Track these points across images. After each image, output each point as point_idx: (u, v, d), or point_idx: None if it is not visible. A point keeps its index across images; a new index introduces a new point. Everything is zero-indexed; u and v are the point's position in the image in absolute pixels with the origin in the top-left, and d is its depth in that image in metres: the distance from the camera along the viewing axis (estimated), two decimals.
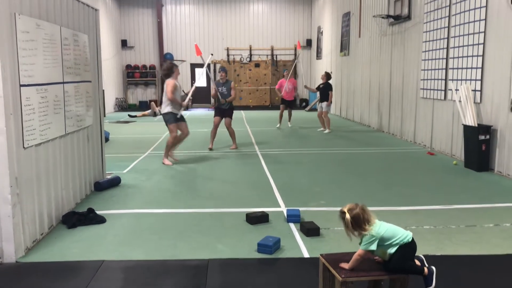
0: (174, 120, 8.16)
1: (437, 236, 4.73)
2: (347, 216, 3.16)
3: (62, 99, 5.28)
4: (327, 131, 13.02)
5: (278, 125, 14.12)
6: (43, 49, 4.74)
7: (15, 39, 4.17)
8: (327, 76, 13.40)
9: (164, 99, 8.10)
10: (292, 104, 14.69)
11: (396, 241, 3.17)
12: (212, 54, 10.97)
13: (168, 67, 8.26)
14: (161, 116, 18.22)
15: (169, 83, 8.05)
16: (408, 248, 3.20)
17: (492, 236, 4.73)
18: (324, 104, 13.09)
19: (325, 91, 13.14)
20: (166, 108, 8.08)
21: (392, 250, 3.17)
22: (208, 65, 10.19)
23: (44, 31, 4.77)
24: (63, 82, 5.32)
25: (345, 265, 3.17)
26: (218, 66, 22.22)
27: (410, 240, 3.20)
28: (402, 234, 3.21)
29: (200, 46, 23.15)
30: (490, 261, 4.15)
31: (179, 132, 8.43)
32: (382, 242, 3.18)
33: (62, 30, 5.28)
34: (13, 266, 4.07)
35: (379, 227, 3.19)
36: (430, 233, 4.81)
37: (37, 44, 4.60)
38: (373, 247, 3.16)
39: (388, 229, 3.21)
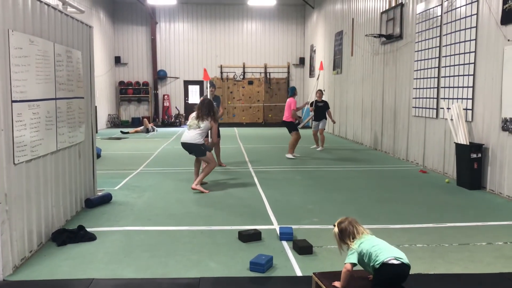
0: (209, 148, 8.06)
1: (430, 255, 4.71)
2: (335, 229, 3.18)
3: (54, 115, 5.26)
4: (320, 148, 13.03)
5: (293, 155, 11.51)
6: (36, 65, 4.73)
7: (8, 55, 4.16)
8: (322, 94, 13.33)
9: (198, 131, 7.70)
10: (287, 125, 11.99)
11: (371, 263, 3.09)
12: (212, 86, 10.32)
13: (210, 104, 7.90)
14: (154, 133, 18.33)
15: (214, 124, 7.88)
16: (380, 273, 3.03)
17: (485, 255, 4.72)
18: (322, 122, 13.03)
19: (323, 109, 13.09)
20: (201, 139, 7.70)
21: (370, 269, 3.13)
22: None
23: (37, 47, 4.77)
24: (56, 98, 5.30)
25: (338, 284, 3.14)
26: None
27: (378, 265, 3.03)
28: (376, 258, 3.05)
29: (193, 64, 23.60)
30: (483, 280, 4.13)
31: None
32: (363, 258, 3.14)
33: (55, 47, 5.28)
34: (0, 285, 3.99)
35: (362, 243, 3.12)
36: (423, 252, 4.79)
37: (30, 60, 4.59)
38: (353, 259, 3.12)
39: (371, 248, 3.09)
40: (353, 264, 3.14)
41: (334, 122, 13.64)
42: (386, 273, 3.02)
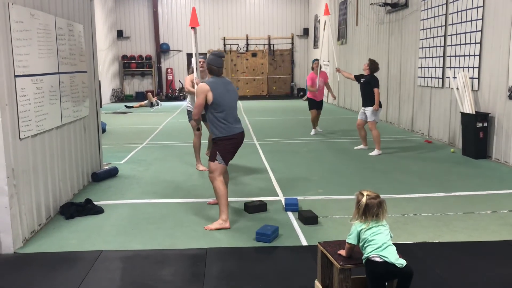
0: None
1: (435, 223, 4.74)
2: (364, 199, 3.08)
3: (58, 90, 5.25)
4: (375, 152, 8.29)
5: (313, 132, 10.87)
6: (37, 39, 4.69)
7: (9, 29, 4.13)
8: (372, 65, 8.42)
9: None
10: (321, 105, 10.88)
11: (363, 252, 3.07)
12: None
13: None
14: (158, 107, 18.31)
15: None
16: (365, 268, 3.01)
17: (490, 223, 4.75)
18: (369, 110, 8.31)
19: (367, 87, 8.32)
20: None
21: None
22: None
23: (38, 21, 4.72)
24: (59, 73, 5.28)
25: (343, 252, 3.17)
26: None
27: (364, 260, 3.00)
28: (364, 252, 3.01)
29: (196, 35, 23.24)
30: (488, 248, 4.16)
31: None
32: (360, 242, 3.10)
33: (56, 20, 5.23)
34: (11, 257, 4.06)
35: (365, 229, 3.03)
36: (428, 220, 4.82)
37: (31, 34, 4.56)
38: (351, 240, 3.09)
39: (369, 238, 3.01)
40: (352, 244, 3.10)
41: (376, 110, 8.28)
42: (368, 269, 3.00)
